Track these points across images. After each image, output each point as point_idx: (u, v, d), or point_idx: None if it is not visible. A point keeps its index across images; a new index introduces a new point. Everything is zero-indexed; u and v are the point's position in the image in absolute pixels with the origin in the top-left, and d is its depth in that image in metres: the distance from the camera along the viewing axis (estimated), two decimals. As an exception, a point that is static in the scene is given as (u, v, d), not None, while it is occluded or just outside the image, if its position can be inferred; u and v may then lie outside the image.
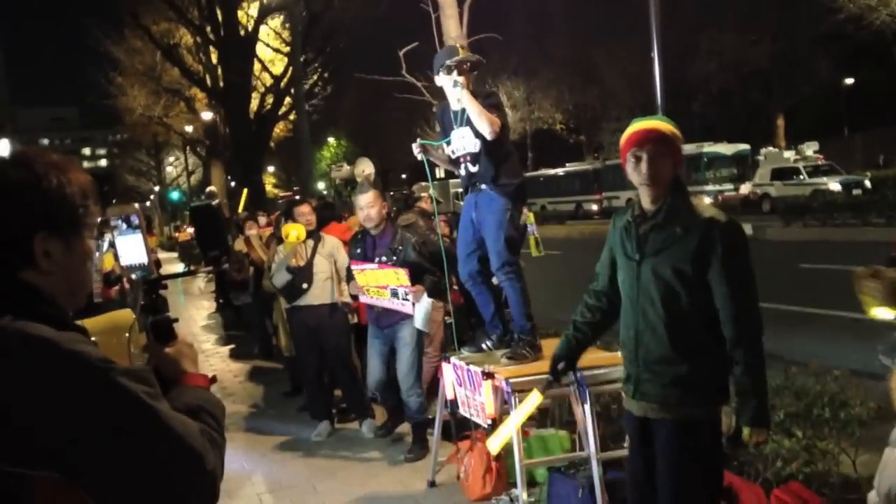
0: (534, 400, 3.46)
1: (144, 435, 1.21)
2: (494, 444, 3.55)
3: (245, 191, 12.82)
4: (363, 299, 5.77)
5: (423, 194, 7.11)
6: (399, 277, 5.18)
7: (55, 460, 1.16)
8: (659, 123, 2.86)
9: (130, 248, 1.81)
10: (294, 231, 6.36)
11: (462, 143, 4.35)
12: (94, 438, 1.18)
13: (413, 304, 5.22)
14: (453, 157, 4.46)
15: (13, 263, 1.31)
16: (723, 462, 2.99)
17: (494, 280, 4.55)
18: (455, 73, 4.26)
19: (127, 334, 3.56)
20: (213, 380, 1.60)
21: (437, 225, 5.90)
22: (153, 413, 1.23)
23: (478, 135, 4.23)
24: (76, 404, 1.18)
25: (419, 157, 4.51)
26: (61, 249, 1.35)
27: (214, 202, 13.16)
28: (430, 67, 4.59)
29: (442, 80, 4.36)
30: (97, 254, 1.43)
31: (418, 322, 5.40)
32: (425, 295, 5.34)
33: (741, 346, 2.71)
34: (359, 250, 5.78)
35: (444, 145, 4.52)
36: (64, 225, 1.36)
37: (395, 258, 5.47)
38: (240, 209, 11.60)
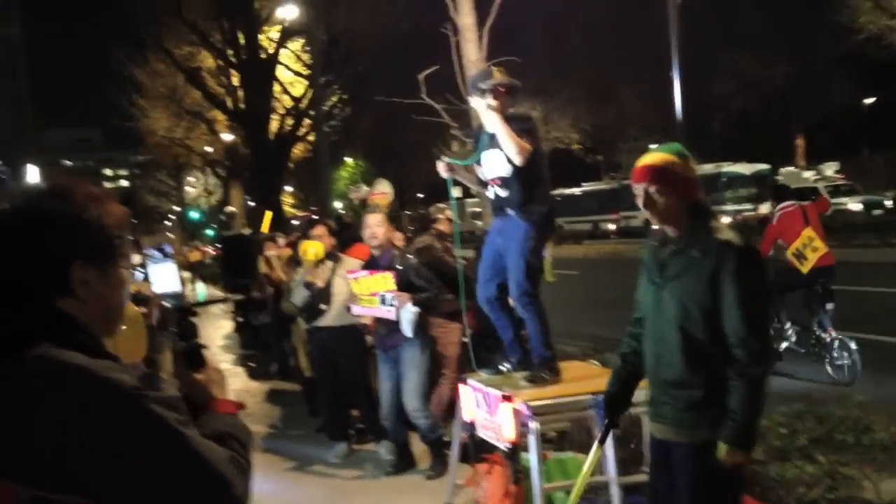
0: (592, 454, 3.35)
1: (174, 461, 1.24)
2: None
3: (268, 213, 12.93)
4: (355, 309, 5.86)
5: (439, 216, 7.12)
6: (386, 282, 5.32)
7: (87, 485, 1.18)
8: (656, 158, 2.87)
9: (163, 276, 1.85)
10: (312, 248, 6.42)
11: (493, 165, 4.33)
12: (125, 464, 1.20)
13: (397, 310, 5.32)
14: (483, 178, 4.45)
15: (51, 292, 1.35)
16: (742, 486, 2.96)
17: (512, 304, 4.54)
18: (490, 96, 4.26)
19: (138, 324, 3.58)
20: (241, 406, 1.63)
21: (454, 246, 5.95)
22: (183, 440, 1.25)
23: (509, 159, 4.23)
24: (109, 430, 1.21)
25: (445, 175, 4.47)
26: (97, 278, 1.39)
27: (247, 232, 13.30)
28: (450, 90, 4.62)
29: (475, 102, 4.36)
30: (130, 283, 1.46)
31: (404, 328, 5.46)
32: (409, 303, 5.43)
33: (744, 369, 2.70)
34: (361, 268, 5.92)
35: (474, 165, 4.51)
36: (101, 254, 1.40)
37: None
38: (265, 230, 11.71)
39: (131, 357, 3.65)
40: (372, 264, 5.83)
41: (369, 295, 5.57)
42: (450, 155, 4.76)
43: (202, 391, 1.61)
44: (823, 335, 7.33)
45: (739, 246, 2.73)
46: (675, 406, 2.84)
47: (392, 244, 6.00)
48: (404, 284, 5.46)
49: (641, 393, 3.85)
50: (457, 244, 6.31)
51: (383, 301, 5.43)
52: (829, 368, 7.16)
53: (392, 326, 5.58)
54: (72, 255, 1.35)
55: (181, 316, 1.82)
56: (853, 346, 6.94)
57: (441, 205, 7.16)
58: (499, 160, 4.27)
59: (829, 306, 7.48)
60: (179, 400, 1.34)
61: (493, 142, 4.29)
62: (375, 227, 5.80)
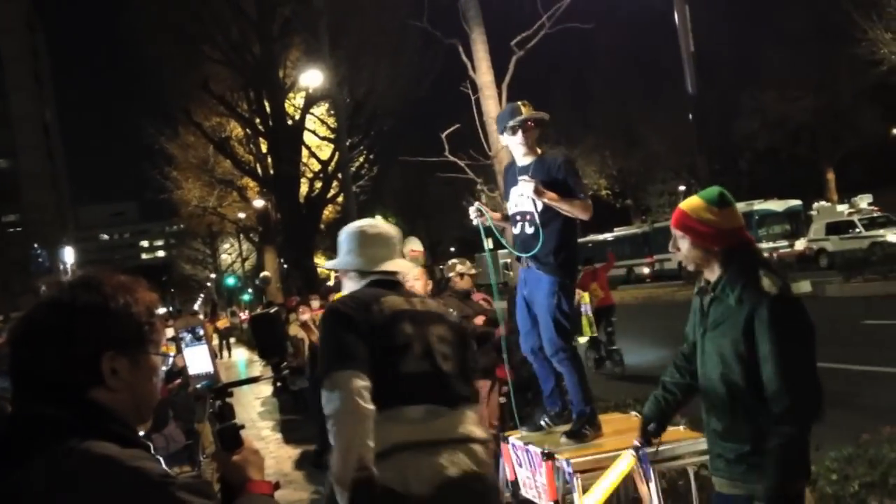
0: (626, 461, 3.40)
1: None
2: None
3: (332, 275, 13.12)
4: None
5: (450, 274, 6.98)
6: None
7: None
8: (686, 203, 2.91)
9: (196, 359, 1.88)
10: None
11: (522, 200, 4.28)
12: None
13: None
14: (510, 212, 4.39)
15: (82, 382, 1.37)
16: None
17: None
18: (520, 132, 4.26)
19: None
20: (277, 486, 1.63)
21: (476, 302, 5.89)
22: None
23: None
24: None
25: (476, 222, 4.43)
26: (128, 367, 1.41)
27: (273, 310, 13.38)
28: (472, 146, 4.64)
29: (506, 139, 4.37)
30: (163, 368, 1.47)
31: None
32: None
33: (778, 427, 2.58)
34: None
35: (506, 204, 4.48)
36: (130, 343, 1.42)
37: None
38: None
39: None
40: None
41: None
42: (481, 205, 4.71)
43: (238, 472, 1.61)
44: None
45: (773, 295, 2.65)
46: (727, 458, 2.79)
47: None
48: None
49: (689, 445, 3.80)
50: (495, 297, 6.29)
51: None
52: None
53: None
54: (101, 346, 1.38)
55: (216, 397, 1.83)
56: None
57: (454, 260, 6.98)
58: (527, 195, 4.20)
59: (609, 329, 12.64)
60: (208, 485, 1.35)
61: (525, 174, 4.23)
62: (414, 280, 5.77)
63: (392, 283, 2.88)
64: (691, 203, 2.89)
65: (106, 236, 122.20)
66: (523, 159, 4.34)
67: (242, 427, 1.74)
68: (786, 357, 2.60)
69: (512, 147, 4.38)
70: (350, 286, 2.94)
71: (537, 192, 4.08)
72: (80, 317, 1.38)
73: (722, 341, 2.73)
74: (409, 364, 2.61)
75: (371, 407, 2.42)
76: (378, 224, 3.06)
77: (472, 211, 4.44)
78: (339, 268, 3.04)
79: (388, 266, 2.88)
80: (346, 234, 2.99)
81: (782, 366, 2.59)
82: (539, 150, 4.35)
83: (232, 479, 1.60)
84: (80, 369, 1.37)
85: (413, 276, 5.78)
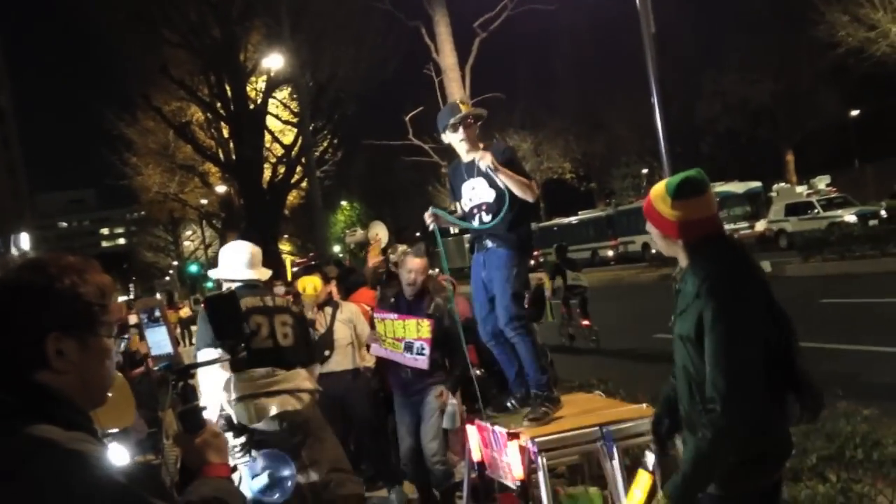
0: (644, 481, 3.00)
1: None
2: None
3: (289, 265, 12.98)
4: (375, 349, 5.74)
5: (393, 256, 6.93)
6: (421, 329, 5.15)
7: None
8: (651, 191, 2.80)
9: (156, 340, 1.85)
10: (311, 283, 6.39)
11: (476, 193, 4.34)
12: None
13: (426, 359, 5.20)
14: (466, 209, 4.44)
15: (27, 365, 1.34)
16: None
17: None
18: (461, 129, 4.30)
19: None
20: (234, 469, 1.62)
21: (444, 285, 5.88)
22: None
23: (493, 185, 4.24)
24: (75, 501, 1.21)
25: (431, 226, 4.47)
26: (76, 349, 1.38)
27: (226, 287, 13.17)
28: (436, 130, 4.64)
29: (449, 137, 4.41)
30: (117, 350, 1.44)
31: (446, 423, 5.35)
32: (451, 397, 5.30)
33: (709, 415, 2.48)
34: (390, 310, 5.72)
35: (457, 204, 4.53)
36: (77, 325, 1.39)
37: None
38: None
39: (120, 423, 3.66)
40: (400, 308, 5.61)
41: (393, 339, 5.42)
42: (441, 195, 4.77)
43: (198, 455, 1.60)
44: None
45: (715, 279, 2.54)
46: (687, 444, 2.70)
47: (428, 291, 5.82)
48: (440, 334, 5.28)
49: (647, 422, 3.83)
50: (449, 291, 6.26)
51: (409, 349, 5.27)
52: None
53: (418, 372, 5.49)
54: (46, 327, 1.35)
55: (178, 378, 1.81)
56: None
57: (402, 246, 6.93)
58: (482, 187, 4.30)
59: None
60: (153, 469, 1.35)
61: (472, 171, 4.33)
62: (417, 274, 5.63)
63: (251, 286, 4.45)
64: (655, 190, 2.74)
65: (65, 224, 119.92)
66: (467, 156, 4.39)
67: (204, 408, 1.72)
68: (722, 341, 2.47)
69: (455, 145, 4.42)
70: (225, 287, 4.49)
71: (493, 165, 4.15)
72: (23, 298, 1.36)
73: (682, 330, 2.63)
74: (257, 342, 4.19)
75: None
76: (242, 245, 4.67)
77: (427, 217, 4.45)
78: (215, 277, 4.76)
79: (248, 275, 4.50)
80: (222, 252, 4.69)
81: (717, 349, 2.48)
82: (481, 145, 4.38)
83: (192, 461, 1.58)
84: (24, 351, 1.34)
85: (416, 267, 5.68)
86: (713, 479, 2.55)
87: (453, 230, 4.69)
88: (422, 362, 5.21)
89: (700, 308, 2.53)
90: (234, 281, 4.46)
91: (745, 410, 2.44)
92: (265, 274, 4.65)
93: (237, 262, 4.53)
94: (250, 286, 4.46)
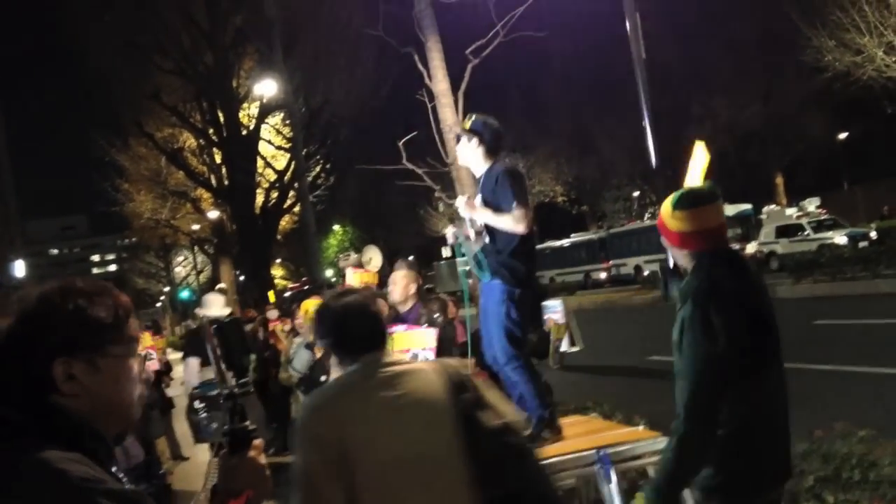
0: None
1: None
2: None
3: (272, 292, 12.99)
4: None
5: (343, 264, 6.99)
6: (425, 339, 5.12)
7: None
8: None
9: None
10: (314, 307, 6.38)
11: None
12: None
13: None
14: (478, 227, 4.31)
15: (41, 388, 1.36)
16: None
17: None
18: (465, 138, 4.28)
19: None
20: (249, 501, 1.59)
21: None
22: None
23: (488, 203, 4.14)
24: None
25: (452, 241, 4.45)
26: (86, 371, 1.39)
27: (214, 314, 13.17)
28: (430, 154, 4.65)
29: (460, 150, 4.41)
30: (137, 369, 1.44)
31: None
32: None
33: (676, 423, 2.55)
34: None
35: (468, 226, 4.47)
36: (85, 347, 1.40)
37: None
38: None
39: None
40: (407, 320, 5.48)
41: (400, 352, 5.38)
42: (432, 217, 4.76)
43: (230, 476, 1.59)
44: None
45: (690, 288, 2.60)
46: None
47: (418, 299, 5.76)
48: (446, 341, 5.16)
49: (648, 444, 3.83)
50: (465, 304, 6.25)
51: (415, 359, 5.24)
52: None
53: None
54: (52, 352, 1.37)
55: (228, 398, 1.79)
56: None
57: (353, 255, 7.06)
58: (461, 213, 4.25)
59: None
60: (139, 493, 1.34)
61: (479, 188, 4.26)
62: (391, 284, 5.57)
63: (216, 321, 5.33)
64: (663, 207, 2.80)
65: (56, 251, 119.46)
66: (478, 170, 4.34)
67: (254, 429, 1.69)
68: (692, 353, 2.53)
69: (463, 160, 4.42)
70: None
71: (469, 208, 4.12)
72: (26, 326, 1.39)
73: (673, 336, 2.66)
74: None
75: None
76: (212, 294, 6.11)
77: (448, 233, 4.44)
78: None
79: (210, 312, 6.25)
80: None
81: (688, 361, 2.53)
82: (487, 164, 4.26)
83: (224, 482, 1.57)
84: (34, 376, 1.36)
85: (392, 279, 5.68)
86: (682, 483, 2.64)
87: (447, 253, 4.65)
88: None
89: (682, 315, 2.57)
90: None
91: (705, 419, 2.50)
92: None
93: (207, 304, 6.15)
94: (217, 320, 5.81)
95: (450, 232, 4.47)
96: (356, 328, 2.39)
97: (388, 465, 2.17)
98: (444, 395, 2.25)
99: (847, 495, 3.86)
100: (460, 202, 4.18)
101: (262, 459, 1.65)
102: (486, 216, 4.10)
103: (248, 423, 1.71)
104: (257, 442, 1.67)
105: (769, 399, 2.62)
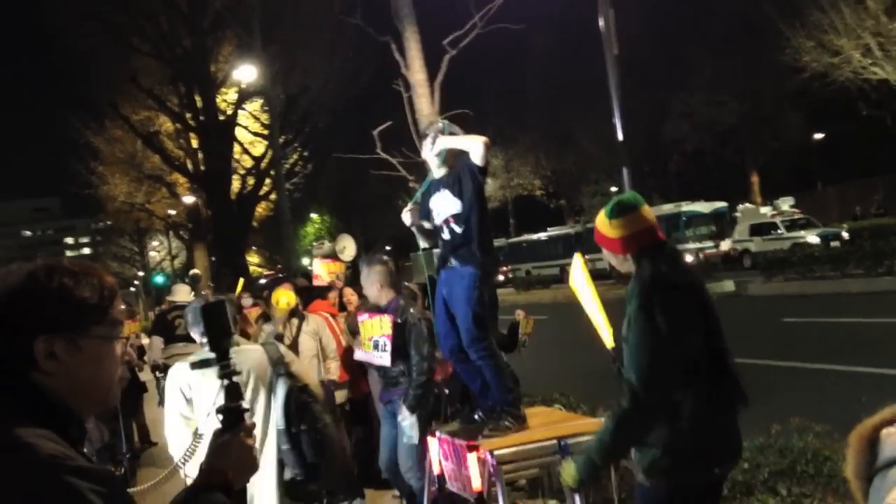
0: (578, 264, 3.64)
1: None
2: None
3: (241, 280, 12.88)
4: (357, 354, 5.74)
5: (316, 253, 7.01)
6: (383, 325, 5.15)
7: None
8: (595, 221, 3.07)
9: None
10: (284, 297, 6.38)
11: (443, 206, 4.31)
12: None
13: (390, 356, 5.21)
14: (436, 224, 4.39)
15: (20, 366, 1.35)
16: None
17: None
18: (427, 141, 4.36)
19: None
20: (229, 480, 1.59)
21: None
22: None
23: (457, 194, 4.21)
24: (21, 499, 1.21)
25: (409, 222, 4.50)
26: (67, 350, 1.38)
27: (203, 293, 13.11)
28: (405, 144, 4.67)
29: (424, 152, 4.45)
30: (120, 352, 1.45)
31: (410, 437, 5.29)
32: (409, 414, 5.14)
33: (620, 398, 2.72)
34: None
35: (425, 222, 4.51)
36: (67, 326, 1.39)
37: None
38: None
39: None
40: (376, 311, 5.50)
41: (368, 339, 5.39)
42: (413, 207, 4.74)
43: (218, 454, 1.60)
44: None
45: (641, 280, 2.78)
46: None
47: (398, 294, 5.64)
48: (400, 339, 5.22)
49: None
50: (431, 297, 6.26)
51: (376, 346, 5.25)
52: None
53: (386, 379, 5.50)
54: (34, 330, 1.36)
55: (224, 375, 1.80)
56: None
57: (325, 243, 7.13)
58: (448, 198, 4.28)
59: None
60: (107, 471, 1.33)
61: (439, 185, 4.33)
62: (375, 286, 5.56)
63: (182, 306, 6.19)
64: (598, 219, 3.02)
65: (28, 233, 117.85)
66: (437, 170, 4.40)
67: (247, 410, 1.72)
68: (641, 336, 2.69)
69: (429, 159, 4.43)
70: None
71: (436, 134, 4.26)
72: (12, 302, 1.37)
73: (623, 332, 2.82)
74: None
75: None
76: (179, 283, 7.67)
77: (404, 214, 4.50)
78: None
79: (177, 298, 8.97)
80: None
81: (636, 345, 2.70)
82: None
83: (212, 459, 1.58)
84: (15, 353, 1.35)
85: (362, 279, 5.68)
86: (612, 457, 2.92)
87: (423, 244, 4.65)
88: (385, 359, 5.17)
89: (629, 312, 2.75)
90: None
91: (646, 404, 2.67)
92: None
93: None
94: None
95: (406, 215, 4.51)
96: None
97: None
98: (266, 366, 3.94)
99: (801, 488, 3.94)
100: (405, 214, 4.36)
101: (251, 441, 1.67)
102: (453, 139, 4.21)
103: (241, 402, 1.74)
104: (249, 423, 1.70)
105: (713, 385, 2.73)
